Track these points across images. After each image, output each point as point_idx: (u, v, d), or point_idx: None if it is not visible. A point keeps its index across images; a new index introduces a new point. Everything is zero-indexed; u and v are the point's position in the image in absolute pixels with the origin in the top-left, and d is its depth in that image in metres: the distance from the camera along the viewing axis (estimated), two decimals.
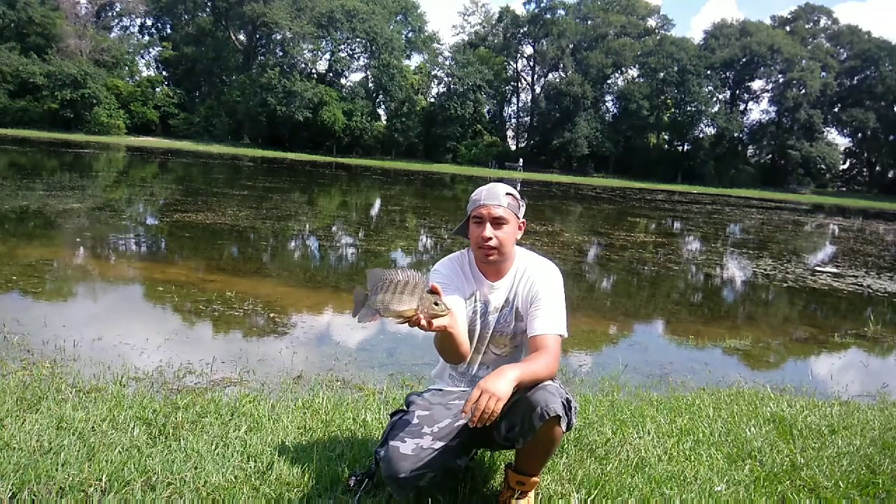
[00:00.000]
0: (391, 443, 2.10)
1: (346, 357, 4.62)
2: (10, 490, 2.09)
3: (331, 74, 64.04)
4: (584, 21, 66.82)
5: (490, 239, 2.22)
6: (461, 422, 2.20)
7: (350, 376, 4.13)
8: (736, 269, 11.47)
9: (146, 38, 68.27)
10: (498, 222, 2.22)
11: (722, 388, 4.25)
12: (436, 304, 1.86)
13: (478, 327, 2.34)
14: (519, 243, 2.37)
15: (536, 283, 2.28)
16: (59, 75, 52.95)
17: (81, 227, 9.99)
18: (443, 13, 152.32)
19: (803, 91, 60.73)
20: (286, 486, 2.29)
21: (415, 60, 70.08)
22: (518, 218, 2.28)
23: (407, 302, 1.85)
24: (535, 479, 2.21)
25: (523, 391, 2.06)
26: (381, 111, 65.72)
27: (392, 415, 2.35)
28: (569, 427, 2.09)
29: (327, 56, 64.68)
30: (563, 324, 2.24)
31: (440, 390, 2.42)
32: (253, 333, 5.13)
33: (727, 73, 64.65)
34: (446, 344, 2.11)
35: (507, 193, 2.26)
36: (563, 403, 2.04)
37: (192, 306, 5.72)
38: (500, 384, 1.92)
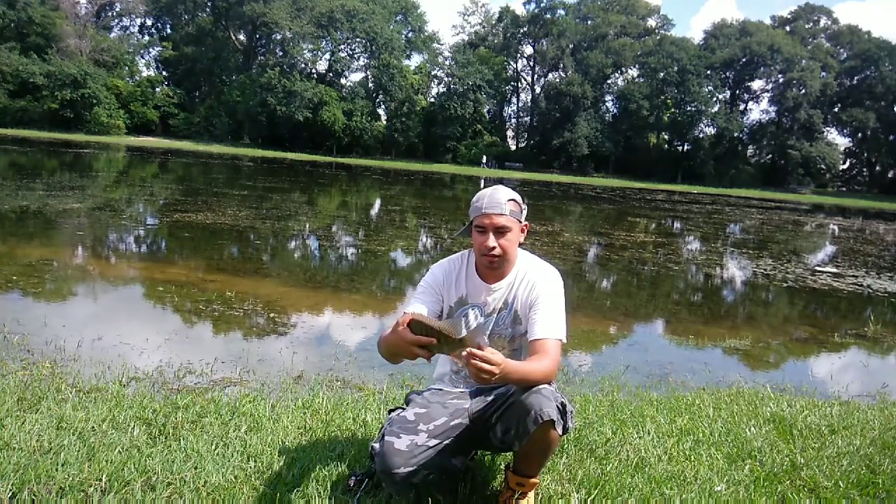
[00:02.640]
0: (386, 438, 2.11)
1: (346, 357, 4.62)
2: (10, 490, 2.09)
3: (331, 74, 64.05)
4: (584, 21, 66.87)
5: (494, 248, 2.22)
6: (457, 421, 2.22)
7: (350, 376, 4.14)
8: (736, 269, 11.47)
9: (146, 38, 68.36)
10: (501, 231, 2.22)
11: (722, 388, 4.25)
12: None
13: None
14: (520, 244, 2.37)
15: (536, 287, 2.28)
16: (59, 75, 52.98)
17: (81, 227, 9.99)
18: (443, 13, 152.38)
19: (803, 91, 60.75)
20: (286, 486, 2.29)
21: (415, 60, 70.19)
22: (520, 223, 2.28)
23: None
24: (533, 480, 2.21)
25: (518, 394, 2.06)
26: (381, 111, 65.76)
27: (390, 411, 2.36)
28: (565, 431, 2.09)
29: (327, 56, 64.75)
30: (563, 329, 2.23)
31: (440, 390, 2.43)
32: (253, 333, 5.13)
33: (727, 73, 64.68)
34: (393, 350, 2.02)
35: (510, 199, 2.24)
36: (557, 407, 2.03)
37: (192, 306, 5.72)
38: (504, 376, 1.89)
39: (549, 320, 2.21)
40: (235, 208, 13.45)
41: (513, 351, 2.36)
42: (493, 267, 2.29)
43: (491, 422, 2.20)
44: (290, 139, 59.48)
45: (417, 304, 2.29)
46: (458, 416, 2.24)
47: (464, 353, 1.83)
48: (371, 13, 61.17)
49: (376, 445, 2.16)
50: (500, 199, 2.23)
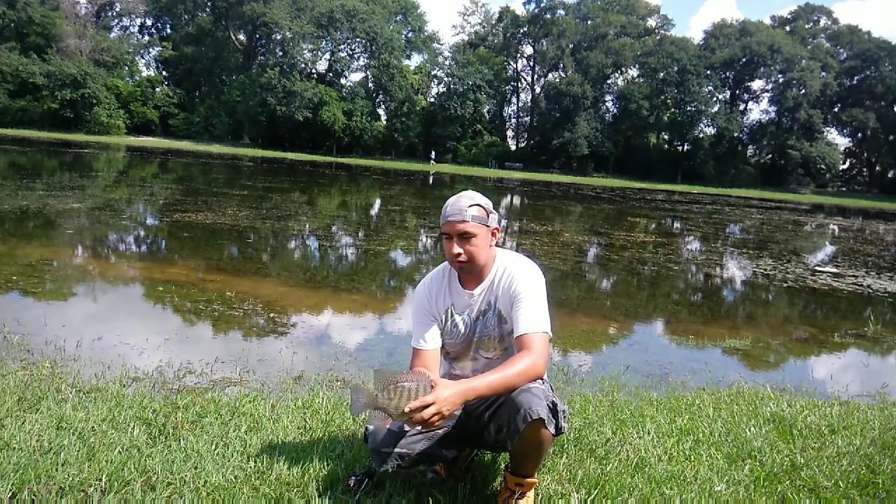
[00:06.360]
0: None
1: (346, 357, 4.62)
2: (10, 490, 2.09)
3: (331, 74, 64.06)
4: (584, 21, 66.88)
5: (459, 254, 2.25)
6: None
7: (350, 376, 4.13)
8: (736, 269, 11.46)
9: (146, 38, 68.43)
10: (465, 237, 2.24)
11: (722, 388, 4.25)
12: None
13: (466, 334, 2.38)
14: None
15: (515, 283, 2.28)
16: (59, 75, 52.99)
17: (81, 227, 9.99)
18: (443, 13, 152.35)
19: (803, 91, 60.75)
20: (286, 486, 2.29)
21: (415, 60, 70.25)
22: (488, 226, 2.28)
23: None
24: (531, 479, 2.21)
25: (508, 393, 2.08)
26: (381, 111, 65.77)
27: None
28: (559, 431, 2.09)
29: (327, 56, 64.77)
30: (546, 321, 2.23)
31: None
32: (253, 333, 5.13)
33: (727, 73, 64.68)
34: None
35: (473, 205, 2.25)
36: (548, 406, 2.04)
37: (192, 306, 5.72)
38: (455, 398, 1.98)
39: (531, 315, 2.21)
40: (235, 208, 13.45)
41: (504, 350, 2.37)
42: (464, 272, 2.33)
43: (484, 419, 2.21)
44: (290, 139, 59.50)
45: (423, 337, 2.37)
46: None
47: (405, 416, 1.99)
48: (371, 13, 61.18)
49: (370, 426, 2.21)
50: (462, 206, 2.24)
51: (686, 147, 66.44)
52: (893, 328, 7.09)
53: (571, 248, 11.64)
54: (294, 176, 28.68)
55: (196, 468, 2.34)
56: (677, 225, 20.02)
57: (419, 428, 2.05)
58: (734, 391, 4.09)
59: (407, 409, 1.94)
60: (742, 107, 67.91)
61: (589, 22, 66.69)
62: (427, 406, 1.93)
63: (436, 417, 1.93)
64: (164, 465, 2.35)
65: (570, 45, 65.70)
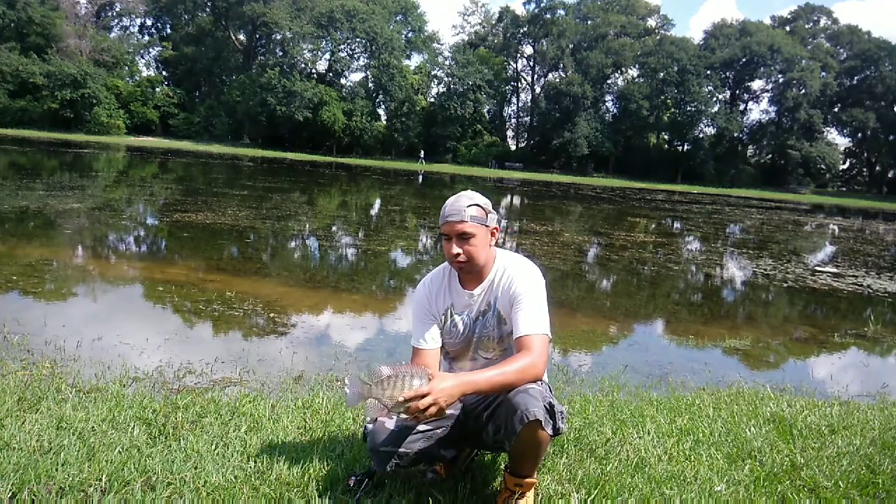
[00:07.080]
0: (379, 418, 2.17)
1: (346, 357, 4.62)
2: (10, 490, 2.09)
3: (331, 74, 64.07)
4: (584, 21, 66.89)
5: (458, 255, 2.25)
6: (450, 410, 2.23)
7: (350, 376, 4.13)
8: (736, 269, 11.46)
9: (146, 38, 68.46)
10: (463, 237, 2.24)
11: (722, 388, 4.25)
12: None
13: (465, 334, 2.38)
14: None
15: (514, 284, 2.28)
16: (59, 75, 53.01)
17: (81, 227, 9.99)
18: (443, 13, 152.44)
19: (803, 91, 60.76)
20: (286, 486, 2.29)
21: (415, 60, 70.26)
22: (487, 226, 2.28)
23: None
24: (530, 479, 2.21)
25: (506, 393, 2.08)
26: (381, 111, 65.78)
27: None
28: (556, 432, 2.08)
29: (327, 56, 64.79)
30: (546, 323, 2.23)
31: None
32: (253, 333, 5.13)
33: (727, 73, 64.69)
34: None
35: (472, 205, 2.25)
36: (545, 407, 2.04)
37: (192, 306, 5.72)
38: (453, 391, 1.98)
39: (530, 316, 2.21)
40: (235, 208, 13.45)
41: (503, 350, 2.38)
42: (464, 272, 2.33)
43: (482, 419, 2.22)
44: (290, 139, 59.50)
45: (422, 336, 2.37)
46: (453, 406, 2.26)
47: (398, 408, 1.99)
48: (371, 13, 61.20)
49: (370, 426, 2.21)
50: (460, 206, 2.24)
51: (686, 147, 66.44)
52: (893, 328, 7.09)
53: (571, 248, 11.64)
54: (294, 176, 28.69)
55: (196, 468, 2.34)
56: (677, 225, 20.02)
57: (416, 422, 2.03)
58: (734, 391, 4.09)
59: (401, 398, 1.93)
60: (742, 107, 67.94)
61: (589, 22, 66.69)
62: (423, 396, 1.92)
63: (433, 408, 1.93)
64: (164, 465, 2.35)
65: (570, 45, 65.70)
